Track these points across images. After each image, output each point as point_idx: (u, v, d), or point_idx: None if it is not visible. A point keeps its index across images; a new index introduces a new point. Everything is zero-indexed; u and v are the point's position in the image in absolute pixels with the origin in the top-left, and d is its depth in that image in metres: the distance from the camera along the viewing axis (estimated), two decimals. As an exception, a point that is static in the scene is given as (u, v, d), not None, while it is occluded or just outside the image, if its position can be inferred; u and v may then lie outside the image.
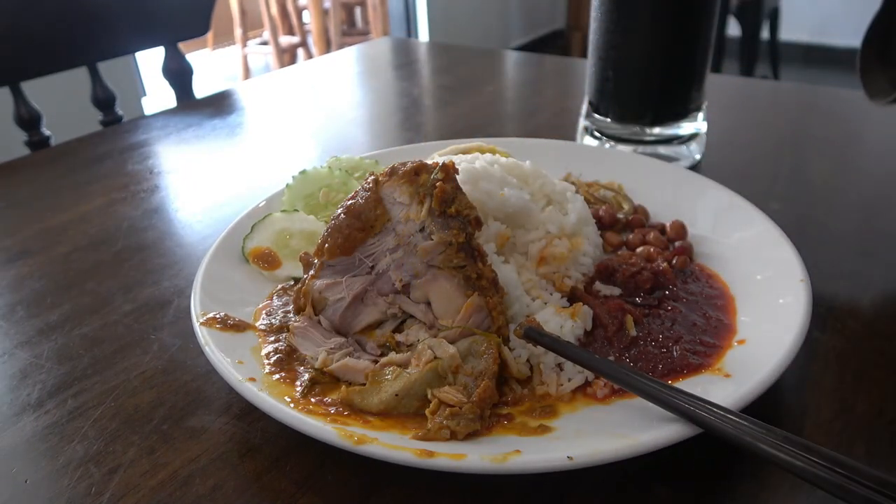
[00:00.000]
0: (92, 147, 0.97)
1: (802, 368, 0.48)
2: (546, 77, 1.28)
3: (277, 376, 0.46)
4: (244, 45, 4.30)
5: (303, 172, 0.65)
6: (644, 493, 0.40)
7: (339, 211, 0.51)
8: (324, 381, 0.46)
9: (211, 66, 5.05)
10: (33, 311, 0.60)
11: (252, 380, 0.44)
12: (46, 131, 1.15)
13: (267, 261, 0.58)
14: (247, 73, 4.36)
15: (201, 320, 0.49)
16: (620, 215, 0.64)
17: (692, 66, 0.75)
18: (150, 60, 3.04)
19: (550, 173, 0.73)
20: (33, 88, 1.14)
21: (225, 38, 5.12)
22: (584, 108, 0.82)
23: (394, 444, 0.39)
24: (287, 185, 0.65)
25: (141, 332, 0.57)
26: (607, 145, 0.80)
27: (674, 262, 0.57)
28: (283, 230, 0.60)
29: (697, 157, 0.80)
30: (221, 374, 0.44)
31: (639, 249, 0.59)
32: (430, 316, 0.48)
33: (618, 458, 0.37)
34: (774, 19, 3.48)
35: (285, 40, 4.27)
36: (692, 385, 0.44)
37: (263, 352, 0.48)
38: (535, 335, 0.45)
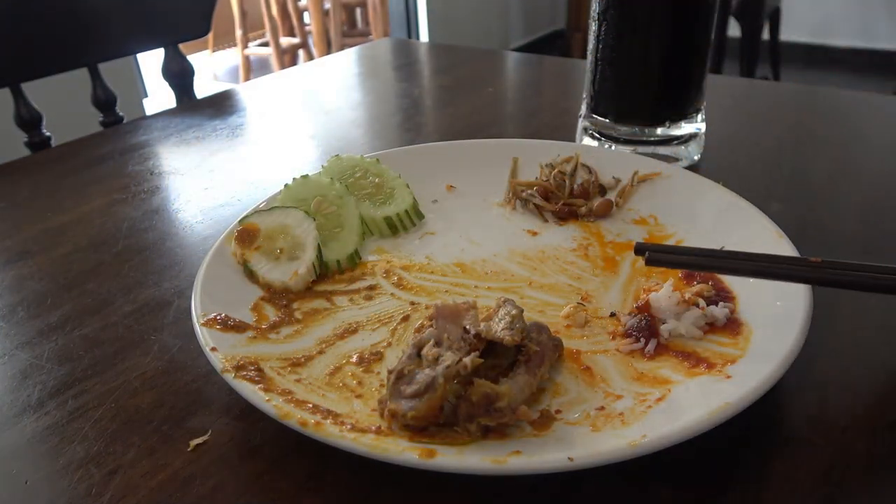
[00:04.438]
0: (92, 148, 0.97)
1: (803, 369, 0.48)
2: (546, 78, 1.28)
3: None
4: (245, 47, 4.31)
5: (304, 177, 0.65)
6: (644, 493, 0.40)
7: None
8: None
9: (211, 67, 5.05)
10: (33, 311, 0.60)
11: (253, 381, 0.44)
12: (47, 132, 1.15)
13: (247, 238, 0.58)
14: (247, 75, 4.37)
15: (202, 321, 0.49)
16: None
17: (692, 67, 0.75)
18: (152, 62, 3.04)
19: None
20: (34, 89, 1.14)
21: (225, 40, 5.12)
22: (584, 108, 0.82)
23: (394, 445, 0.39)
24: (286, 185, 0.65)
25: (141, 332, 0.57)
26: (607, 146, 0.80)
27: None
28: (284, 226, 0.60)
29: (696, 157, 0.80)
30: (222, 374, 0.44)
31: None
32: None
33: (618, 458, 0.37)
34: (775, 20, 3.47)
35: (286, 41, 4.28)
36: (691, 387, 0.44)
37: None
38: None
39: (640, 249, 0.48)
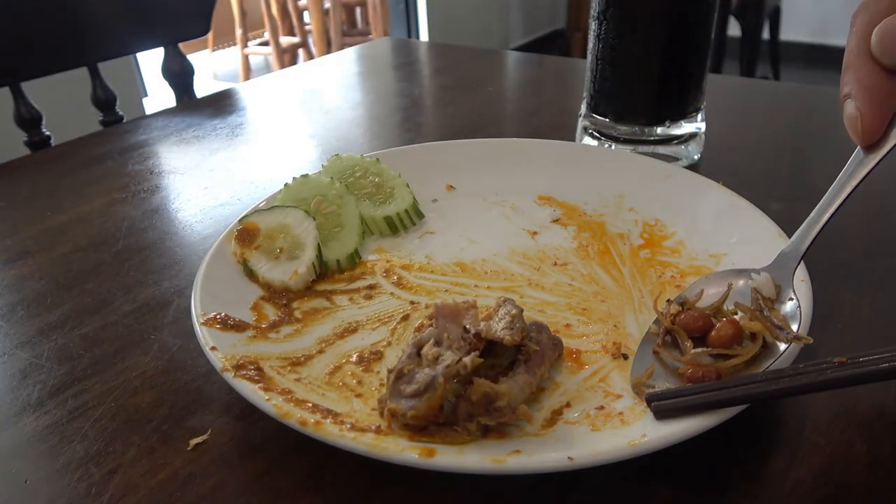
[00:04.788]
0: (92, 147, 0.97)
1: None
2: (546, 77, 1.28)
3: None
4: (244, 46, 4.31)
5: (304, 176, 0.65)
6: (644, 493, 0.40)
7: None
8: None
9: (211, 67, 5.05)
10: (33, 311, 0.60)
11: (252, 380, 0.44)
12: (46, 131, 1.15)
13: (247, 237, 0.58)
14: (247, 74, 4.37)
15: (201, 320, 0.49)
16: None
17: (692, 66, 0.75)
18: (152, 61, 3.04)
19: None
20: (33, 88, 1.14)
21: (225, 39, 5.13)
22: (583, 107, 0.82)
23: (394, 444, 0.39)
24: (286, 184, 0.65)
25: (141, 332, 0.57)
26: (606, 145, 0.80)
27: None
28: (284, 225, 0.60)
29: (696, 157, 0.80)
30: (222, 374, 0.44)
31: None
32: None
33: (618, 458, 0.37)
34: (775, 19, 3.47)
35: (286, 40, 4.28)
36: (692, 385, 0.44)
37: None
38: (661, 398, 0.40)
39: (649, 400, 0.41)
